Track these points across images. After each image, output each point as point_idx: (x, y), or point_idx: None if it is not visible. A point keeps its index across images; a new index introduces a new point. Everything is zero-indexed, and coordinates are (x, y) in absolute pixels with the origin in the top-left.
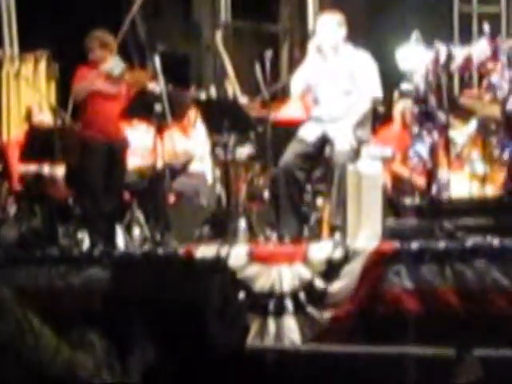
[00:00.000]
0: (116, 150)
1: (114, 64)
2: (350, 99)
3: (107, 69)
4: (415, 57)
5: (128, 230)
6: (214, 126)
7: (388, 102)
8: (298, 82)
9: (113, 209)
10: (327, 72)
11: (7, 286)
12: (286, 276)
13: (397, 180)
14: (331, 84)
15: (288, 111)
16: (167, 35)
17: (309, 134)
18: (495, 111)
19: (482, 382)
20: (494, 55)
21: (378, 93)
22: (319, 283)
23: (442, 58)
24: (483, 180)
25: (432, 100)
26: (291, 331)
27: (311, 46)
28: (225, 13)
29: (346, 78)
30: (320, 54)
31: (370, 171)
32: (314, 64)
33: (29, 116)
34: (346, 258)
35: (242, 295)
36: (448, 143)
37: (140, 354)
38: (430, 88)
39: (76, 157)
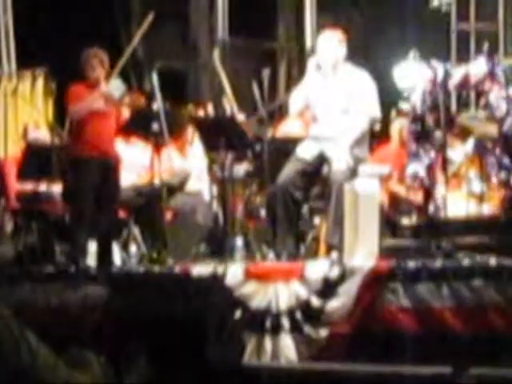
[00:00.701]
0: (110, 167)
1: (115, 87)
2: (348, 118)
3: (108, 91)
4: (413, 75)
5: (125, 247)
6: (211, 144)
7: (385, 120)
8: (297, 99)
9: (108, 225)
10: (326, 90)
11: (4, 303)
12: (282, 294)
13: (394, 199)
14: (329, 102)
15: (287, 128)
16: (165, 52)
17: (306, 152)
18: (492, 130)
19: None
20: (492, 74)
21: (377, 113)
22: (316, 301)
23: (440, 77)
24: (480, 199)
25: (429, 119)
26: (288, 349)
27: (311, 63)
28: (222, 30)
29: (344, 97)
30: (319, 71)
31: (367, 190)
32: (313, 81)
33: (25, 134)
34: (343, 276)
35: (238, 313)
36: (445, 162)
37: (137, 371)
38: (427, 106)
39: (72, 174)
